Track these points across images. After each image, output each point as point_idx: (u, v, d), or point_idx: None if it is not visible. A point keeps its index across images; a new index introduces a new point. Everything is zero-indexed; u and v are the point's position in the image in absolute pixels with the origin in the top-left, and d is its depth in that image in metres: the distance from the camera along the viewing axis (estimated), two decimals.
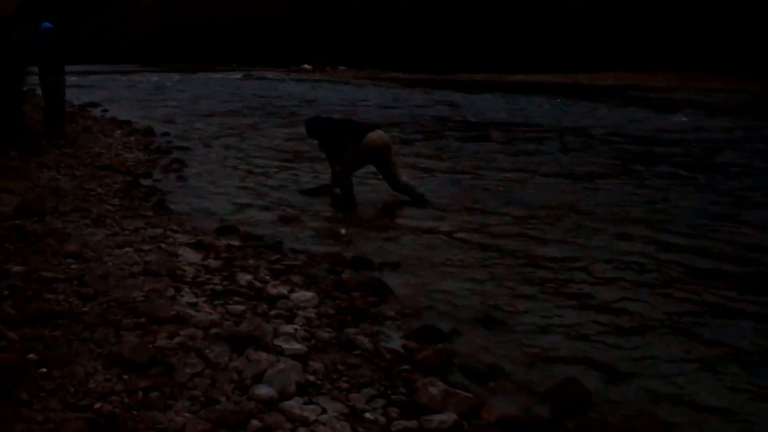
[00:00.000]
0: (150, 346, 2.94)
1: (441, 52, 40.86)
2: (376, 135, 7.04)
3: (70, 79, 10.22)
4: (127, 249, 4.49)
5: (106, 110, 16.03)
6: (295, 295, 4.02)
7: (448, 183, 8.15)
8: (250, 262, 4.74)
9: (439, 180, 8.33)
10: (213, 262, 4.55)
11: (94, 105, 17.02)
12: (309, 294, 4.06)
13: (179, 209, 6.45)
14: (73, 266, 3.91)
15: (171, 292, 3.73)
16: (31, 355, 2.68)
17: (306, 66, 43.55)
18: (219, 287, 4.00)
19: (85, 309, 3.25)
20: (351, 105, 18.67)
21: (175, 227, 5.56)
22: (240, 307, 3.73)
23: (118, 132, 11.57)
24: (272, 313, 3.75)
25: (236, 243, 5.17)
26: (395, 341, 3.72)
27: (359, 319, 3.93)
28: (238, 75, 34.56)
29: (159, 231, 5.26)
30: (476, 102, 20.65)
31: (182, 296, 3.74)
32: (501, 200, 7.24)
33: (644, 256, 5.27)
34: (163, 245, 4.73)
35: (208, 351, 3.02)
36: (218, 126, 13.39)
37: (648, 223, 6.31)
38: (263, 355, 3.07)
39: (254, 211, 6.62)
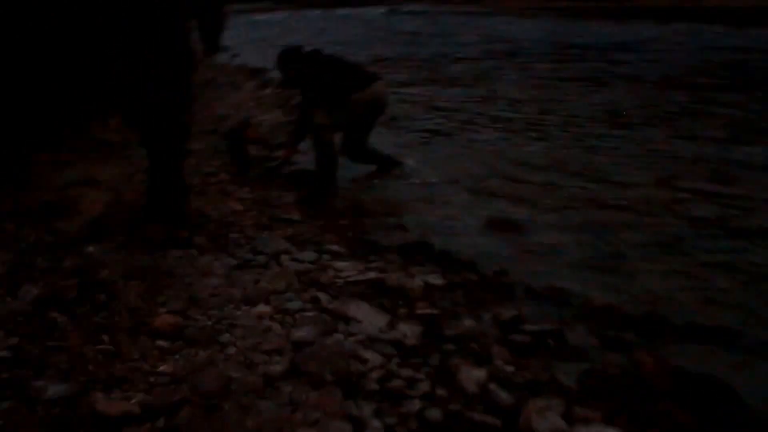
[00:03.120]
0: None
1: None
2: (384, 85, 5.50)
3: None
4: (261, 309, 2.87)
5: (236, 55, 14.88)
6: None
7: None
8: (468, 323, 3.01)
9: None
10: (407, 331, 2.85)
11: (222, 49, 15.92)
12: None
13: (337, 204, 4.85)
14: (162, 366, 2.32)
15: None
16: None
17: None
18: (434, 412, 2.28)
19: None
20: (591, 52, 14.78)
21: (334, 242, 3.94)
22: None
23: (250, 84, 10.14)
24: None
25: (437, 281, 3.44)
26: None
27: None
28: (381, 9, 32.70)
29: (311, 256, 3.65)
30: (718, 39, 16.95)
31: None
32: None
33: None
34: (320, 296, 3.08)
35: None
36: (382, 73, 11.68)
37: None
38: None
39: (447, 207, 4.86)
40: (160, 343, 2.48)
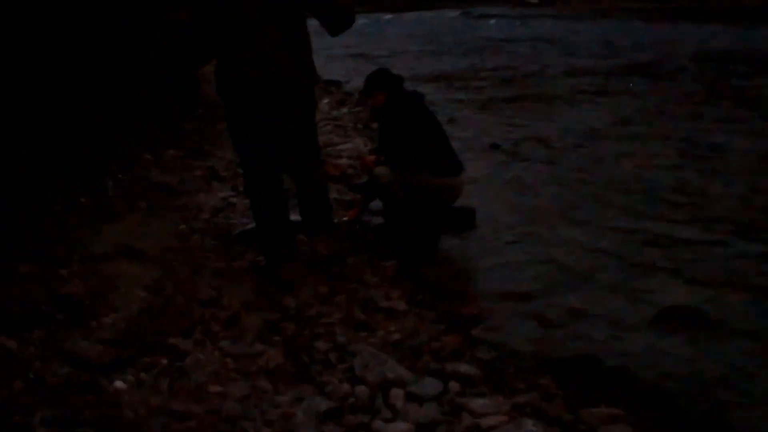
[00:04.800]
0: None
1: None
2: (462, 180, 4.50)
3: None
4: None
5: None
6: None
7: None
8: None
9: None
10: None
11: None
12: None
13: (446, 284, 3.78)
14: None
15: None
16: None
17: None
18: None
19: None
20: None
21: (458, 351, 2.88)
22: None
23: (325, 101, 9.01)
24: None
25: None
26: None
27: None
28: (455, 13, 31.00)
29: (434, 387, 2.58)
30: None
31: None
32: None
33: None
34: None
35: None
36: (468, 90, 10.32)
37: None
38: None
39: (592, 287, 3.71)
40: None
